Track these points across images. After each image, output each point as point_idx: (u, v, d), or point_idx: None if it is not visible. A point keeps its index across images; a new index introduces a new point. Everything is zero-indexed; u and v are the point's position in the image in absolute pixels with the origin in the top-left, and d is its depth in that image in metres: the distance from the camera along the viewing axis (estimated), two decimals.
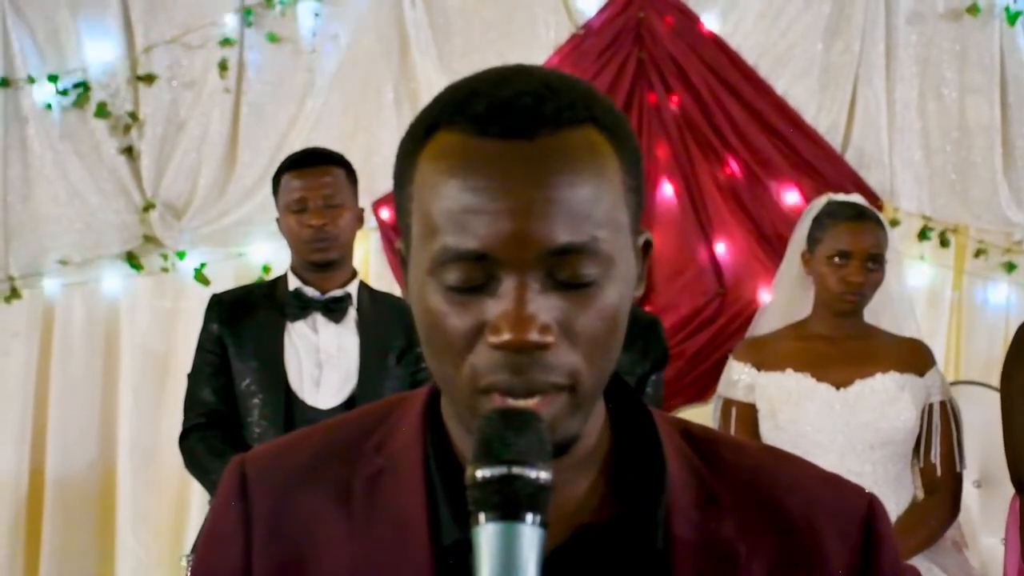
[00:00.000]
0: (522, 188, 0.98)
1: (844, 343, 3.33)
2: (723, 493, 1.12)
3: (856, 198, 3.48)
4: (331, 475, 1.13)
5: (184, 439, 3.40)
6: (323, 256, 3.37)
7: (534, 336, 0.97)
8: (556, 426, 1.00)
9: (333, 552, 1.10)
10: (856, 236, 3.27)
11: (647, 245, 1.11)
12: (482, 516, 0.90)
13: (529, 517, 0.90)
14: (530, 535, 0.90)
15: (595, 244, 0.99)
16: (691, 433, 1.18)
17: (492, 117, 0.99)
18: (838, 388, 3.27)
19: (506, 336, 0.97)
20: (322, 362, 3.37)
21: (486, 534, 0.90)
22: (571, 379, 1.00)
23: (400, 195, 1.07)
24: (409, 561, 1.07)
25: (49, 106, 4.35)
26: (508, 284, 0.98)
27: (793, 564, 1.11)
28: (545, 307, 0.98)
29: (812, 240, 3.36)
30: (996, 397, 2.77)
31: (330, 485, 1.13)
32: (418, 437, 1.13)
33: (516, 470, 0.91)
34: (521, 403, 0.99)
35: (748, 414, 3.36)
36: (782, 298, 3.61)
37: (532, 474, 0.91)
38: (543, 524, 0.91)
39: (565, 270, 0.99)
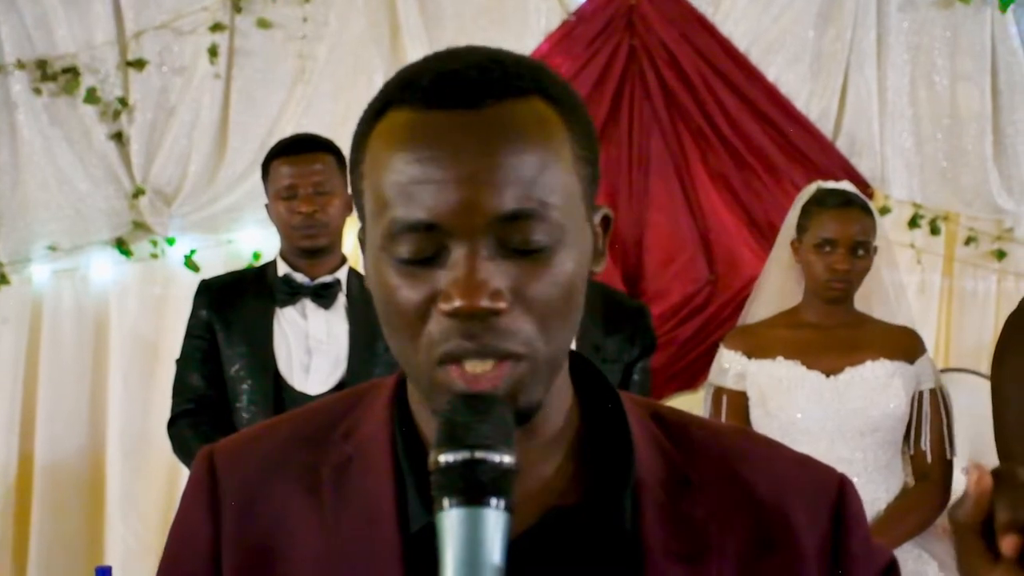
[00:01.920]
0: (469, 157, 0.98)
1: (835, 331, 3.33)
2: (693, 474, 1.13)
3: (846, 185, 3.48)
4: (300, 463, 1.14)
5: (172, 425, 3.40)
6: (312, 243, 3.36)
7: (485, 302, 0.97)
8: (517, 394, 1.00)
9: (302, 540, 1.10)
10: (841, 224, 3.27)
11: (606, 220, 1.11)
12: (446, 501, 0.90)
13: (493, 501, 0.90)
14: (495, 520, 0.90)
15: (544, 210, 0.99)
16: (661, 415, 1.18)
17: (438, 90, 1.00)
18: (828, 375, 3.27)
19: (457, 303, 0.97)
20: (311, 348, 3.36)
21: (450, 519, 0.90)
22: (526, 347, 1.00)
23: (354, 177, 1.07)
24: (378, 548, 1.07)
25: (38, 91, 4.32)
26: (458, 253, 0.98)
27: (764, 544, 1.11)
28: (496, 273, 0.98)
29: (800, 228, 3.37)
30: (986, 385, 2.76)
31: (299, 473, 1.13)
32: (386, 424, 1.13)
33: (479, 454, 0.91)
34: (478, 367, 0.99)
35: (739, 402, 3.36)
36: (773, 286, 3.61)
37: (496, 458, 0.91)
38: (508, 508, 0.90)
39: (515, 236, 0.99)
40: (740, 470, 1.14)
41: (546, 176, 1.00)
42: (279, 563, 1.10)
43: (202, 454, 1.18)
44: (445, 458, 0.91)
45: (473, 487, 0.90)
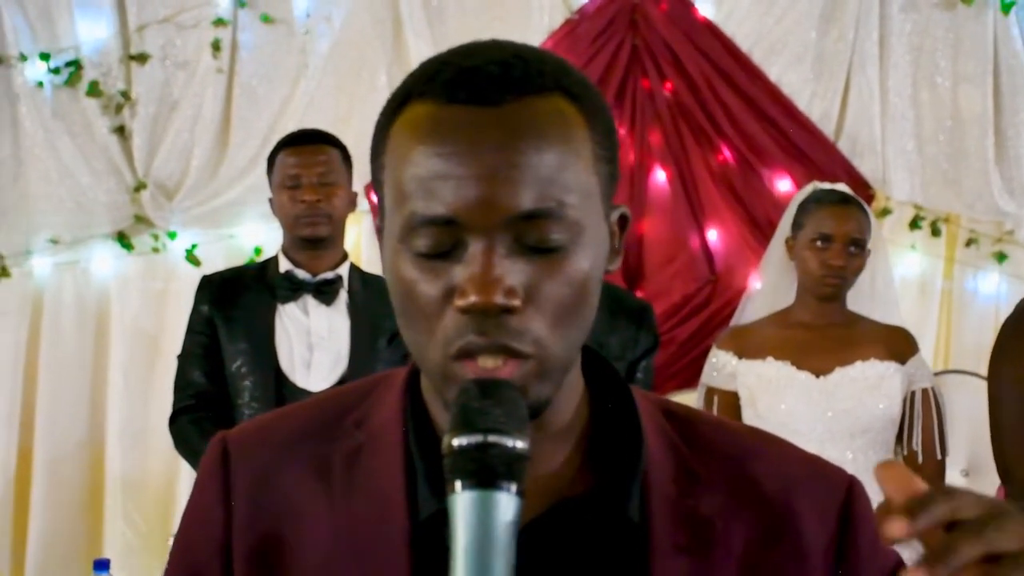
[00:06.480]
0: (489, 153, 0.98)
1: (826, 330, 3.33)
2: (702, 470, 1.13)
3: (841, 187, 3.50)
4: (312, 451, 1.14)
5: (174, 421, 3.40)
6: (314, 232, 3.36)
7: (499, 299, 0.97)
8: (526, 390, 1.00)
9: (313, 527, 1.11)
10: (838, 220, 3.28)
11: (623, 219, 1.11)
12: (458, 484, 0.90)
13: (505, 485, 0.90)
14: (506, 503, 0.90)
15: (562, 209, 1.00)
16: (671, 411, 1.18)
17: (459, 84, 1.00)
18: (818, 376, 3.28)
19: (472, 299, 0.98)
20: (313, 344, 3.36)
21: (462, 502, 0.90)
22: (536, 347, 1.00)
23: (375, 168, 1.08)
24: (386, 535, 1.08)
25: (41, 84, 4.33)
26: (475, 248, 0.99)
27: (770, 541, 1.11)
28: (512, 270, 0.99)
29: (796, 226, 3.38)
30: (985, 387, 2.77)
31: (311, 461, 1.14)
32: (398, 413, 1.13)
33: (492, 438, 0.91)
34: (489, 363, 0.99)
35: (730, 402, 3.37)
36: (767, 286, 3.62)
37: (509, 442, 0.91)
38: (519, 493, 0.91)
39: (532, 235, 0.99)
40: (749, 467, 1.14)
41: (565, 175, 1.00)
42: (289, 549, 1.11)
43: (215, 440, 1.19)
44: (458, 441, 0.91)
45: (486, 470, 0.90)
